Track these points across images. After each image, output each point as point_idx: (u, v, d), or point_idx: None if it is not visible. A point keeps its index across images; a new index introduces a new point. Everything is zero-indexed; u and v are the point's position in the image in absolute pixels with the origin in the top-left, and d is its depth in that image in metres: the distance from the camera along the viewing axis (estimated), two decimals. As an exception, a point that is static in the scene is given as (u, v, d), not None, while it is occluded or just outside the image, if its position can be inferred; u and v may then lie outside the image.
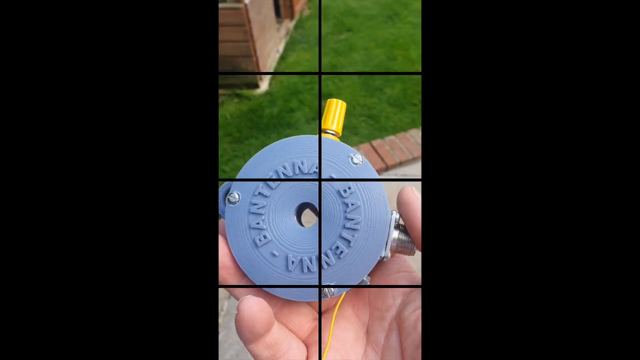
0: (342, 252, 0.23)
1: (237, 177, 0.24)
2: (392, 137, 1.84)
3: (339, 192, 0.23)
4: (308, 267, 0.23)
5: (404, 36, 2.70)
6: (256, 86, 2.26)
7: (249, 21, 2.00)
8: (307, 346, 0.24)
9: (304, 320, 0.24)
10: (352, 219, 0.23)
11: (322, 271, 0.23)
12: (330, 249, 0.23)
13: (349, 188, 0.23)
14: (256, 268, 0.23)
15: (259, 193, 0.24)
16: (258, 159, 0.24)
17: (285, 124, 2.01)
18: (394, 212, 0.23)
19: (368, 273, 0.23)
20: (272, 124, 2.02)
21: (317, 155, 0.24)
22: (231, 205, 0.24)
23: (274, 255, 0.23)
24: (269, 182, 0.24)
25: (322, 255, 0.23)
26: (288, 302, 0.24)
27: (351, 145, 0.24)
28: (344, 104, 0.27)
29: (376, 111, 2.06)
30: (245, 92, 2.23)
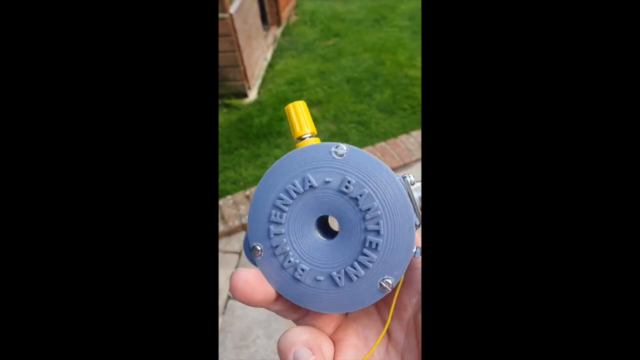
0: (377, 244, 0.22)
1: (248, 229, 0.24)
2: (382, 144, 1.83)
3: (340, 191, 0.22)
4: (355, 275, 0.22)
5: (391, 40, 2.70)
6: (245, 95, 2.24)
7: (235, 31, 1.99)
8: (336, 341, 0.24)
9: (329, 319, 0.25)
10: (368, 208, 0.22)
11: (367, 270, 0.22)
12: (366, 247, 0.22)
13: (348, 182, 0.22)
14: (306, 297, 0.23)
15: (274, 234, 0.23)
16: (254, 205, 0.24)
17: (275, 132, 2.00)
18: (406, 175, 0.22)
19: (414, 246, 0.22)
20: (262, 133, 2.00)
21: (307, 169, 0.23)
22: (259, 258, 0.24)
23: (318, 280, 0.23)
24: (275, 221, 0.23)
25: (362, 257, 0.22)
26: None
27: None
28: (301, 102, 0.25)
29: (366, 117, 2.06)
30: (234, 101, 2.22)
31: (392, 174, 0.22)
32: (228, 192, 1.70)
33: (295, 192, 0.23)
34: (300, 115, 0.25)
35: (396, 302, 0.24)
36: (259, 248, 0.24)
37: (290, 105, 0.25)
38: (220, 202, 1.63)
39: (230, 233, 1.54)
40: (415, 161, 1.73)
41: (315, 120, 2.06)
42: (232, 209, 1.61)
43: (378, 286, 0.22)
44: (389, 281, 0.22)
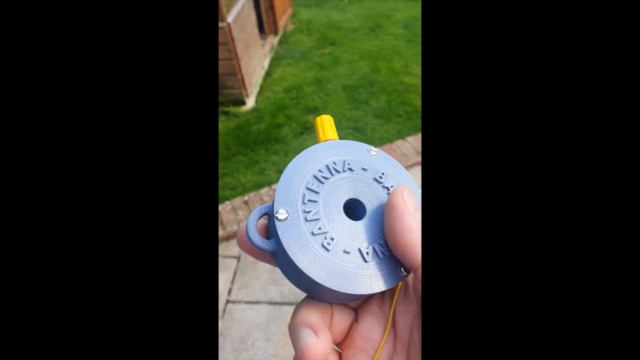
0: None
1: (276, 195, 0.25)
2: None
3: (375, 179, 0.25)
4: (382, 252, 0.23)
5: (387, 48, 2.74)
6: (243, 103, 2.27)
7: (233, 39, 2.02)
8: (342, 349, 0.24)
9: (346, 322, 0.25)
10: None
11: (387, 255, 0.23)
12: None
13: (383, 174, 0.25)
14: (333, 271, 0.23)
15: (308, 200, 0.24)
16: (288, 173, 0.25)
17: (273, 139, 2.02)
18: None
19: None
20: (260, 140, 2.03)
21: (346, 154, 0.26)
22: (282, 222, 0.23)
23: (347, 252, 0.23)
24: (312, 189, 0.24)
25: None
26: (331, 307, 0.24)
27: None
28: (329, 117, 0.29)
29: (362, 124, 2.08)
30: (232, 109, 2.25)
31: (413, 181, 0.26)
32: (226, 198, 1.71)
33: (335, 169, 0.25)
34: (327, 125, 0.29)
35: (404, 299, 0.25)
36: (285, 212, 0.23)
37: (320, 118, 0.29)
38: (219, 207, 1.65)
39: (228, 238, 1.56)
40: (411, 166, 1.76)
41: (311, 127, 2.08)
42: (230, 214, 1.62)
43: (399, 269, 0.23)
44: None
